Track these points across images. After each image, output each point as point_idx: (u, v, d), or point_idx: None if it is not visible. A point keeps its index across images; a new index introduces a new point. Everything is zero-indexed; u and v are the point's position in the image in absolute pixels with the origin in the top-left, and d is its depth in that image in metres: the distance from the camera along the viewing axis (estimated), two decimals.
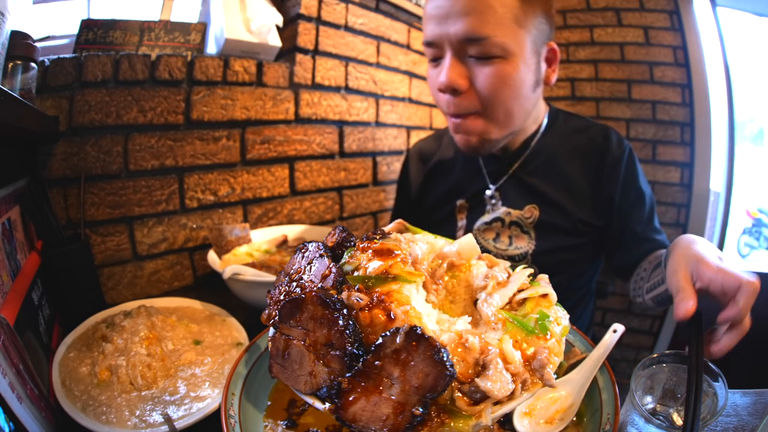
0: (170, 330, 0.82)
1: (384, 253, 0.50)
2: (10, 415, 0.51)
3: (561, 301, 0.54)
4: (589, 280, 1.15)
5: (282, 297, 0.52)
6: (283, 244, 1.20)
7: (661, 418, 0.51)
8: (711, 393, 0.53)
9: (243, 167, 1.29)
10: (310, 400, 0.44)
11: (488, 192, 1.08)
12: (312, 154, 1.46)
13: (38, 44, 0.87)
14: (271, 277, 0.90)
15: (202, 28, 1.21)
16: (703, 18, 2.02)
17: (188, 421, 0.63)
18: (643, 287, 0.96)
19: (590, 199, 1.02)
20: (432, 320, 0.47)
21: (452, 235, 1.11)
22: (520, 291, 0.52)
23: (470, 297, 0.55)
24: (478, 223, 1.09)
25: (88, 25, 1.09)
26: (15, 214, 0.77)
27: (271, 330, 0.49)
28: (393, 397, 0.39)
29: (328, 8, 1.43)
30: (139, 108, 1.07)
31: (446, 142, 1.23)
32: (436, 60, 0.93)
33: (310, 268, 0.52)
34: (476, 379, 0.41)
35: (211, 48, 1.28)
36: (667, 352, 0.57)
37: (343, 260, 0.52)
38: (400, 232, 0.61)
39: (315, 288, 0.48)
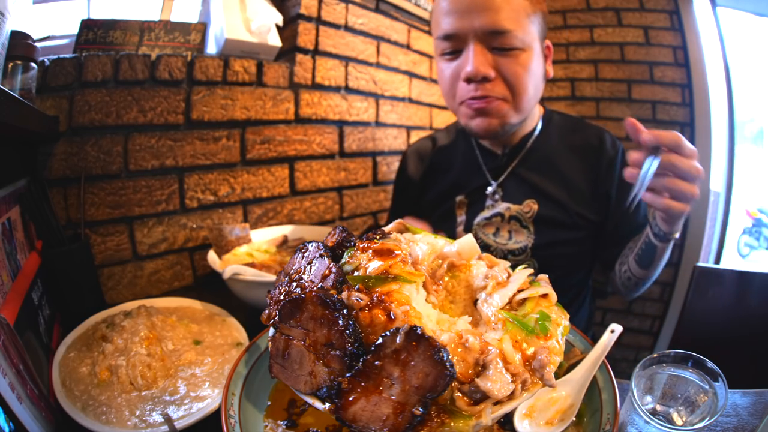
0: (170, 330, 0.82)
1: (384, 253, 0.50)
2: (10, 415, 0.51)
3: (559, 296, 0.55)
4: (586, 276, 1.18)
5: (282, 297, 0.52)
6: (283, 244, 1.20)
7: (661, 418, 0.51)
8: (711, 393, 0.53)
9: (243, 167, 1.29)
10: (310, 400, 0.44)
11: (490, 188, 1.10)
12: (312, 154, 1.46)
13: (38, 44, 0.87)
14: (271, 277, 0.90)
15: (202, 28, 1.21)
16: (703, 18, 2.02)
17: (188, 421, 0.63)
18: (629, 256, 1.01)
19: (587, 195, 1.06)
20: (432, 320, 0.47)
21: (452, 231, 1.15)
22: (520, 291, 0.52)
23: (470, 297, 0.55)
24: (479, 219, 1.11)
25: (88, 25, 1.09)
26: (15, 214, 0.77)
27: (271, 330, 0.49)
28: (393, 397, 0.39)
29: (328, 8, 1.43)
30: (139, 108, 1.07)
31: (443, 142, 1.26)
32: (452, 53, 0.96)
33: (310, 268, 0.52)
34: (476, 379, 0.41)
35: (211, 48, 1.28)
36: (667, 352, 0.57)
37: (343, 260, 0.52)
38: (400, 232, 0.61)
39: (315, 288, 0.48)
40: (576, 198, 1.05)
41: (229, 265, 0.96)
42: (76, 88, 0.99)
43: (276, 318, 0.47)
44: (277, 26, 1.35)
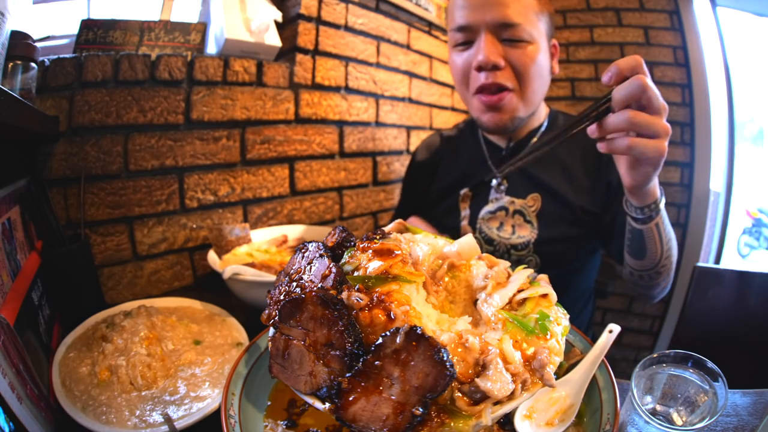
0: (170, 330, 0.82)
1: (384, 253, 0.50)
2: (10, 415, 0.51)
3: (560, 295, 0.55)
4: (589, 277, 1.19)
5: (282, 297, 0.52)
6: (283, 244, 1.20)
7: (661, 418, 0.51)
8: (711, 393, 0.53)
9: (243, 167, 1.29)
10: (310, 400, 0.44)
11: (495, 181, 1.13)
12: (312, 154, 1.46)
13: (38, 44, 0.87)
14: (271, 277, 0.90)
15: (202, 28, 1.21)
16: (703, 18, 2.02)
17: (188, 421, 0.63)
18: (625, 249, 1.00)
19: (588, 187, 1.07)
20: (432, 320, 0.47)
21: (457, 224, 1.16)
22: (520, 291, 0.52)
23: (470, 297, 0.55)
24: (483, 212, 1.13)
25: (88, 25, 1.09)
26: (15, 214, 0.77)
27: (271, 330, 0.49)
28: (393, 397, 0.39)
29: (328, 8, 1.43)
30: (139, 108, 1.07)
31: (449, 138, 1.30)
32: (465, 44, 1.02)
33: (310, 268, 0.52)
34: (476, 379, 0.41)
35: (211, 48, 1.28)
36: (667, 352, 0.57)
37: (343, 260, 0.52)
38: (400, 232, 0.61)
39: (315, 288, 0.48)
40: (578, 190, 1.07)
41: (229, 265, 0.96)
42: (76, 88, 0.99)
43: (276, 318, 0.47)
44: (277, 26, 1.35)
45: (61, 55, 0.98)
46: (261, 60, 1.30)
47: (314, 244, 0.55)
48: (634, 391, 0.53)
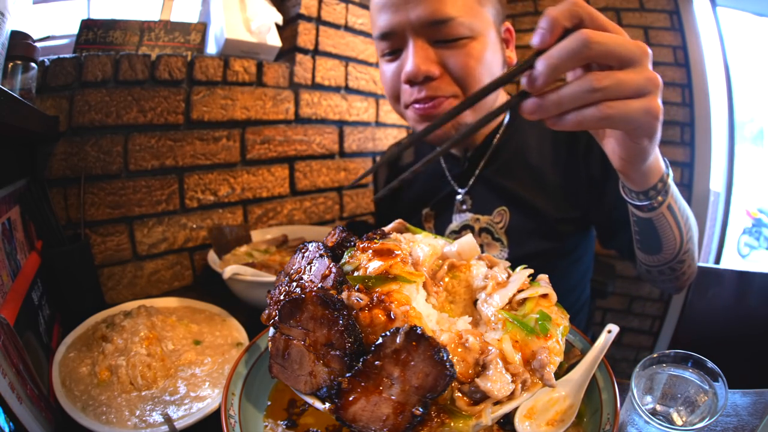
0: (170, 330, 0.82)
1: (384, 253, 0.50)
2: (10, 415, 0.51)
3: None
4: (577, 286, 1.05)
5: (282, 297, 0.52)
6: (283, 244, 1.20)
7: (661, 418, 0.51)
8: (711, 393, 0.53)
9: (243, 167, 1.29)
10: (310, 400, 0.44)
11: (458, 197, 1.00)
12: (312, 154, 1.46)
13: (38, 44, 0.87)
14: (271, 277, 0.90)
15: (202, 28, 1.21)
16: (703, 18, 2.02)
17: (188, 421, 0.63)
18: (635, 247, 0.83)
19: (565, 192, 0.92)
20: (432, 320, 0.47)
21: None
22: (520, 291, 0.52)
23: (470, 297, 0.55)
24: (447, 232, 1.02)
25: (88, 25, 1.09)
26: (15, 214, 0.77)
27: (271, 330, 0.49)
28: (393, 397, 0.39)
29: (328, 8, 1.43)
30: (139, 108, 1.07)
31: (407, 149, 1.18)
32: (392, 53, 0.85)
33: (310, 268, 0.52)
34: (476, 379, 0.41)
35: (211, 48, 1.28)
36: (667, 352, 0.57)
37: (343, 260, 0.52)
38: (400, 232, 0.61)
39: (315, 288, 0.48)
40: (552, 197, 0.92)
41: (229, 265, 0.96)
42: (76, 88, 0.99)
43: (276, 318, 0.47)
44: (277, 26, 1.35)
45: (61, 55, 0.98)
46: (261, 60, 1.30)
47: (314, 244, 0.55)
48: (634, 391, 0.53)
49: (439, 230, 1.05)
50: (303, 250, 0.55)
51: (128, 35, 1.14)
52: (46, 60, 0.95)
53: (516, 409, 0.51)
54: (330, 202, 1.55)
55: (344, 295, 0.45)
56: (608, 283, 1.90)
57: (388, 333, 0.40)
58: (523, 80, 0.45)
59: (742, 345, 1.23)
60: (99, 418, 0.63)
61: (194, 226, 1.21)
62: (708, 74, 2.03)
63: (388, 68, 0.88)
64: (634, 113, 0.45)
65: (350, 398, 0.40)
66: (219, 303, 0.95)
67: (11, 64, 0.82)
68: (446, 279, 0.54)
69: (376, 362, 0.40)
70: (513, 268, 0.57)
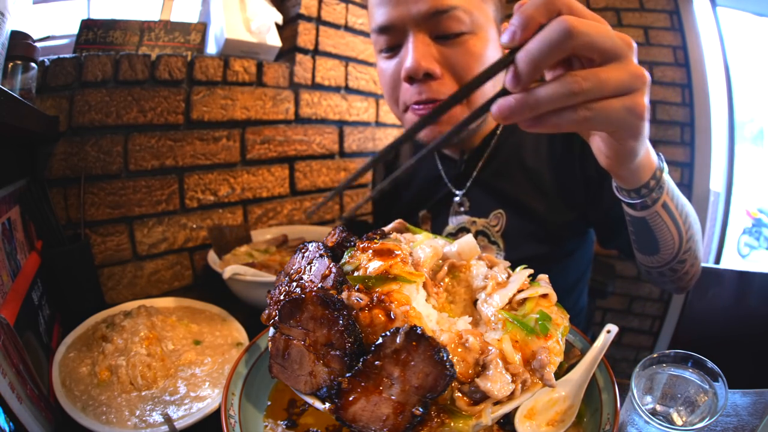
0: (170, 330, 0.82)
1: (384, 253, 0.50)
2: (10, 415, 0.51)
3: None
4: (575, 288, 1.04)
5: (282, 297, 0.52)
6: (283, 244, 1.20)
7: (661, 418, 0.51)
8: (711, 393, 0.53)
9: (243, 167, 1.29)
10: (310, 400, 0.44)
11: (455, 199, 0.99)
12: (312, 154, 1.46)
13: (38, 44, 0.87)
14: (271, 277, 0.90)
15: (202, 28, 1.21)
16: (703, 18, 2.02)
17: (188, 421, 0.63)
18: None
19: (563, 194, 0.90)
20: (432, 320, 0.47)
21: None
22: (520, 291, 0.52)
23: (470, 297, 0.55)
24: (443, 235, 0.99)
25: (88, 25, 1.09)
26: (15, 214, 0.77)
27: (271, 330, 0.49)
28: (393, 397, 0.39)
29: (328, 8, 1.43)
30: (139, 108, 1.07)
31: (404, 150, 1.17)
32: (391, 49, 0.82)
33: (310, 268, 0.52)
34: (476, 379, 0.41)
35: (211, 48, 1.28)
36: (667, 352, 0.57)
37: (343, 260, 0.52)
38: (400, 232, 0.61)
39: (315, 288, 0.48)
40: (549, 200, 0.90)
41: (229, 265, 0.96)
42: (76, 88, 0.99)
43: (276, 318, 0.47)
44: (277, 26, 1.35)
45: (61, 55, 0.98)
46: (261, 60, 1.30)
47: (314, 244, 0.55)
48: (634, 391, 0.53)
49: (436, 232, 1.01)
50: (303, 250, 0.55)
51: (128, 35, 1.14)
52: (46, 60, 0.95)
53: (516, 409, 0.51)
54: (330, 202, 1.55)
55: (344, 295, 0.45)
56: (608, 283, 1.90)
57: (388, 333, 0.40)
58: (507, 78, 0.41)
59: (742, 345, 1.23)
60: (99, 418, 0.63)
61: (194, 226, 1.21)
62: (708, 74, 2.03)
63: (387, 66, 0.84)
64: (615, 114, 0.42)
65: (350, 398, 0.40)
66: (219, 303, 0.95)
67: (11, 64, 0.82)
68: (446, 279, 0.54)
69: (376, 362, 0.40)
70: (512, 269, 0.57)
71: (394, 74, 0.83)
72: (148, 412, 0.65)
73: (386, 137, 1.72)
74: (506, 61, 0.41)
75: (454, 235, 1.00)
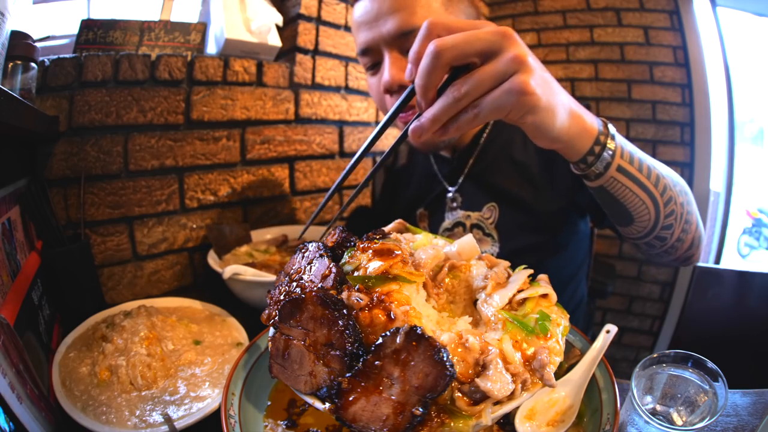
0: (170, 330, 0.82)
1: (384, 253, 0.50)
2: (10, 415, 0.51)
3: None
4: (572, 280, 1.06)
5: (282, 297, 0.52)
6: (283, 244, 1.20)
7: (661, 418, 0.51)
8: (711, 393, 0.53)
9: (243, 167, 1.29)
10: (310, 400, 0.44)
11: (449, 195, 1.04)
12: (312, 154, 1.46)
13: (38, 44, 0.87)
14: (271, 277, 0.90)
15: (202, 28, 1.21)
16: (703, 18, 2.02)
17: (188, 421, 0.63)
18: None
19: (551, 184, 0.93)
20: (432, 320, 0.47)
21: None
22: (519, 291, 0.52)
23: (470, 297, 0.55)
24: (440, 231, 1.06)
25: (88, 25, 1.09)
26: (15, 214, 0.77)
27: (271, 330, 0.49)
28: (393, 397, 0.39)
29: (328, 8, 1.43)
30: (139, 108, 1.07)
31: (402, 152, 1.22)
32: (375, 67, 0.91)
33: (310, 268, 0.52)
34: (476, 379, 0.41)
35: (211, 48, 1.28)
36: (667, 352, 0.57)
37: (343, 260, 0.52)
38: (400, 232, 0.61)
39: (315, 288, 0.48)
40: (539, 190, 0.93)
41: (229, 265, 0.96)
42: (76, 88, 0.99)
43: (276, 318, 0.47)
44: (277, 26, 1.35)
45: (61, 55, 0.98)
46: (261, 60, 1.30)
47: (314, 244, 0.55)
48: (634, 391, 0.53)
49: (433, 229, 1.07)
50: (303, 250, 0.55)
51: (128, 35, 1.14)
52: (46, 60, 0.95)
53: (516, 409, 0.51)
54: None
55: (344, 295, 0.45)
56: (608, 283, 1.90)
57: (388, 333, 0.40)
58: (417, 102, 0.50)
59: (742, 345, 1.23)
60: (99, 418, 0.63)
61: (194, 226, 1.21)
62: (708, 74, 2.03)
63: (373, 81, 0.94)
64: (499, 100, 0.46)
65: (350, 398, 0.40)
66: (219, 303, 0.95)
67: (11, 64, 0.81)
68: (446, 280, 0.54)
69: (376, 362, 0.40)
70: (509, 261, 0.57)
71: (378, 88, 0.91)
72: (148, 412, 0.65)
73: (386, 137, 1.72)
74: (409, 97, 0.52)
75: (450, 230, 1.04)
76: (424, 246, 0.55)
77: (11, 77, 0.82)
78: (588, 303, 1.22)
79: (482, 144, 1.00)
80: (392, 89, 0.86)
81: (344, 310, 0.43)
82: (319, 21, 1.41)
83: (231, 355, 0.79)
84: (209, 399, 0.68)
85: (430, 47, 0.45)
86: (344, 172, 0.59)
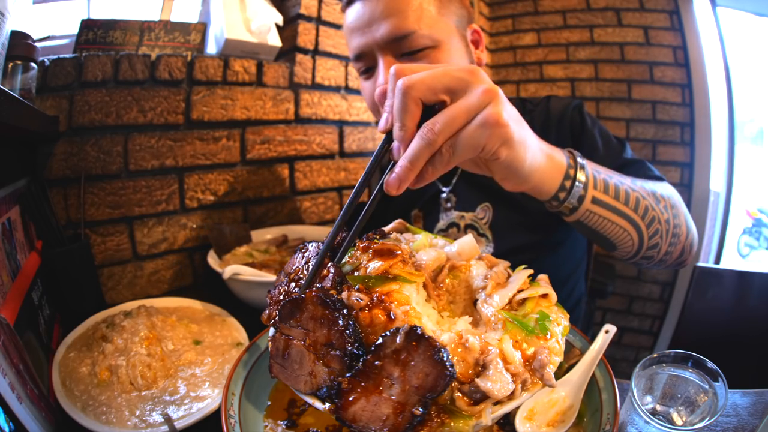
0: (170, 330, 0.82)
1: (384, 253, 0.50)
2: (10, 415, 0.51)
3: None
4: (569, 279, 1.06)
5: (282, 297, 0.52)
6: (283, 244, 1.20)
7: (661, 418, 0.51)
8: (711, 393, 0.53)
9: (243, 167, 1.29)
10: (310, 400, 0.44)
11: (443, 195, 1.04)
12: (312, 154, 1.46)
13: (38, 44, 0.87)
14: (271, 277, 0.90)
15: (202, 28, 1.21)
16: (703, 18, 2.02)
17: (188, 421, 0.63)
18: None
19: None
20: (432, 320, 0.47)
21: None
22: (519, 291, 0.52)
23: (470, 297, 0.55)
24: (434, 232, 1.04)
25: (88, 25, 1.09)
26: (15, 214, 0.77)
27: (271, 330, 0.49)
28: (393, 397, 0.39)
29: (328, 8, 1.43)
30: (139, 108, 1.07)
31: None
32: (368, 71, 0.91)
33: (310, 268, 0.52)
34: (476, 379, 0.41)
35: (211, 48, 1.28)
36: (667, 352, 0.57)
37: (343, 260, 0.52)
38: (400, 232, 0.61)
39: (315, 288, 0.48)
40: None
41: (229, 265, 0.96)
42: (76, 88, 0.99)
43: (276, 318, 0.47)
44: (277, 26, 1.35)
45: (61, 55, 0.98)
46: (261, 60, 1.30)
47: (314, 244, 0.55)
48: (634, 391, 0.53)
49: (428, 230, 1.06)
50: (303, 250, 0.55)
51: (128, 35, 1.14)
52: (46, 60, 0.95)
53: (516, 409, 0.51)
54: (330, 202, 1.55)
55: (344, 295, 0.45)
56: (608, 283, 1.90)
57: (388, 333, 0.40)
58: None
59: (742, 345, 1.23)
60: (99, 418, 0.63)
61: (194, 226, 1.21)
62: (708, 74, 2.03)
63: (366, 85, 0.93)
64: (473, 136, 0.45)
65: (350, 398, 0.40)
66: (219, 303, 0.95)
67: (11, 64, 0.81)
68: (447, 280, 0.54)
69: (376, 362, 0.40)
70: (505, 260, 0.57)
71: (372, 93, 0.90)
72: (148, 412, 0.65)
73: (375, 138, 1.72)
74: (387, 142, 0.50)
75: (445, 231, 1.04)
76: (425, 247, 0.55)
77: (11, 77, 0.82)
78: (588, 303, 1.22)
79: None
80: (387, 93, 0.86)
81: (344, 310, 0.43)
82: (319, 21, 1.41)
83: (231, 355, 0.79)
84: (209, 399, 0.68)
85: (399, 84, 0.45)
86: (344, 207, 0.53)
